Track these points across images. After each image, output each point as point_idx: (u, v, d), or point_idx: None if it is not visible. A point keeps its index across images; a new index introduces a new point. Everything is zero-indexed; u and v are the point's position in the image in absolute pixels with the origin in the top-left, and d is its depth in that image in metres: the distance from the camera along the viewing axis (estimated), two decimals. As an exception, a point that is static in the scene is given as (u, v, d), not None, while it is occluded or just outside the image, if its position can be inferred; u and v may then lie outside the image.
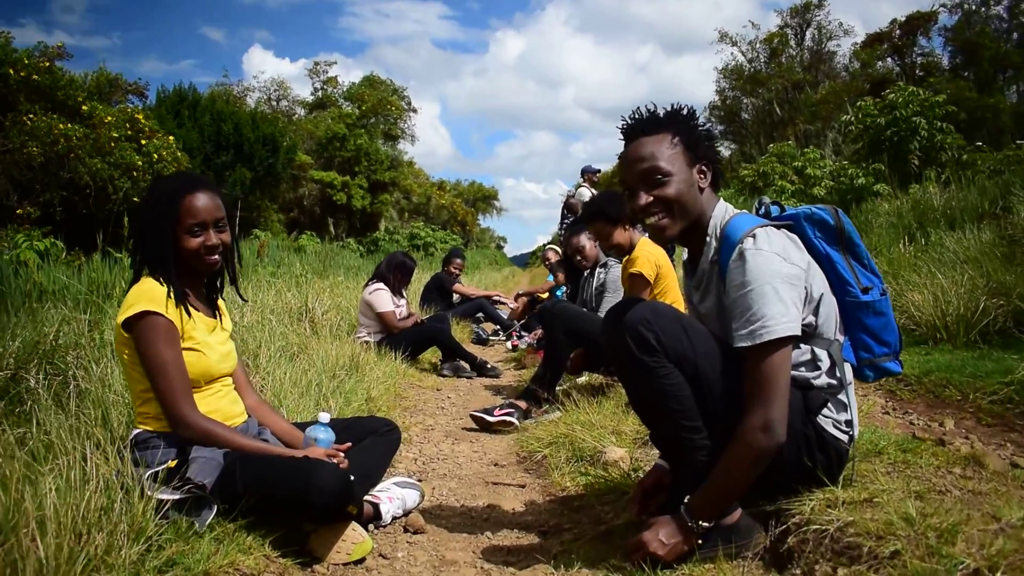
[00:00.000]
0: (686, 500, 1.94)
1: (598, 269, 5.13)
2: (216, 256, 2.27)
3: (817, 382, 2.00)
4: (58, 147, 10.21)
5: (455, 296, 8.95)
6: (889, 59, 30.28)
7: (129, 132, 11.66)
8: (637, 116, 2.08)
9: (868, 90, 24.48)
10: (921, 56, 30.05)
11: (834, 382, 2.02)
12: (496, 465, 3.37)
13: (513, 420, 4.01)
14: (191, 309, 2.24)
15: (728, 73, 27.23)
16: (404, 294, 6.39)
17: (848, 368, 2.09)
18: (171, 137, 12.79)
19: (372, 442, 2.56)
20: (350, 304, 7.42)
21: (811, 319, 1.98)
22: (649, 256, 4.09)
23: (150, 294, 2.16)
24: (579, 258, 5.10)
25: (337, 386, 4.29)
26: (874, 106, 13.68)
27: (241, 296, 2.53)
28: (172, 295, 2.18)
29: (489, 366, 6.09)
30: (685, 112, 2.06)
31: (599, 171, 12.02)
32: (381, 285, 6.05)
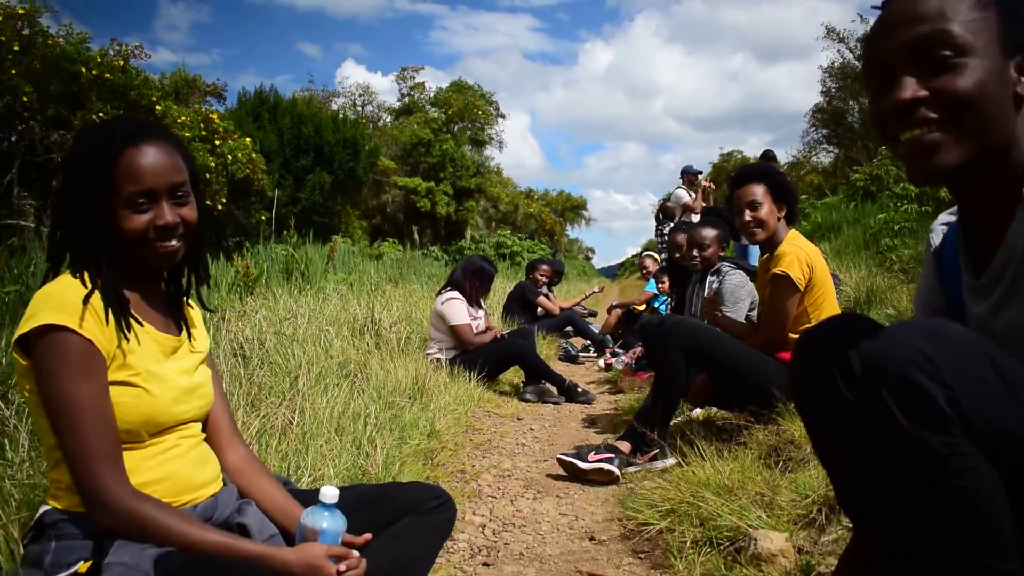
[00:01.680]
0: None
1: (709, 276, 4.17)
2: (174, 242, 1.46)
3: None
4: (128, 147, 9.81)
5: (540, 308, 8.08)
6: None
7: (203, 133, 11.35)
8: None
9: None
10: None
11: None
12: (592, 540, 2.46)
13: (612, 468, 3.09)
14: (133, 321, 1.45)
15: (834, 72, 25.25)
16: (483, 304, 5.56)
17: None
18: (248, 139, 12.45)
19: (410, 525, 1.69)
20: (423, 316, 6.67)
21: None
22: (799, 254, 3.09)
23: (59, 298, 1.36)
24: (695, 254, 4.16)
25: (393, 417, 3.49)
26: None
27: (204, 304, 1.70)
28: (92, 300, 1.38)
29: (580, 390, 5.18)
30: None
31: (700, 173, 10.99)
32: (456, 294, 5.24)
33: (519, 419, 4.54)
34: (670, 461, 3.15)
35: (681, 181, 10.58)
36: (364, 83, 33.46)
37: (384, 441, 3.00)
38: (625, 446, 3.21)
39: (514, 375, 5.67)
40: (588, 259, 67.76)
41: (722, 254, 4.21)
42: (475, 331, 5.22)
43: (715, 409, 3.67)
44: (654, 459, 3.19)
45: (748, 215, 3.17)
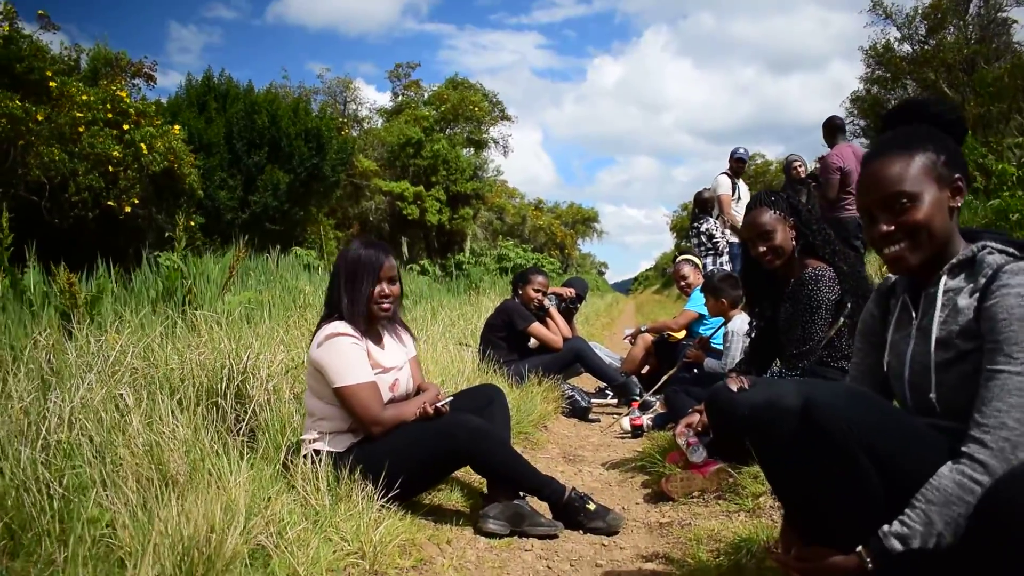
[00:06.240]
0: None
1: (947, 281, 1.63)
2: None
3: None
4: (-1, 128, 7.57)
5: (532, 339, 5.52)
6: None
7: (109, 116, 9.01)
8: None
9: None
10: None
11: None
12: None
13: None
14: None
15: (877, 54, 22.59)
16: (406, 339, 3.05)
17: None
18: (176, 127, 10.07)
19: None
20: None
21: None
22: None
23: None
24: (897, 244, 1.62)
25: None
26: None
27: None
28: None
29: (592, 508, 2.69)
30: None
31: (747, 159, 8.83)
32: (340, 326, 2.72)
33: (458, 607, 2.06)
34: None
35: (729, 168, 8.26)
36: (346, 78, 30.01)
37: None
38: None
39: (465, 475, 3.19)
40: (601, 274, 65.61)
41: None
42: (390, 395, 2.74)
43: None
44: None
45: None
